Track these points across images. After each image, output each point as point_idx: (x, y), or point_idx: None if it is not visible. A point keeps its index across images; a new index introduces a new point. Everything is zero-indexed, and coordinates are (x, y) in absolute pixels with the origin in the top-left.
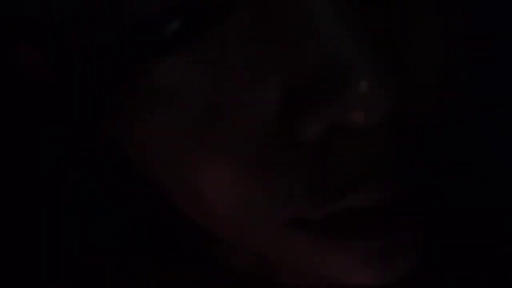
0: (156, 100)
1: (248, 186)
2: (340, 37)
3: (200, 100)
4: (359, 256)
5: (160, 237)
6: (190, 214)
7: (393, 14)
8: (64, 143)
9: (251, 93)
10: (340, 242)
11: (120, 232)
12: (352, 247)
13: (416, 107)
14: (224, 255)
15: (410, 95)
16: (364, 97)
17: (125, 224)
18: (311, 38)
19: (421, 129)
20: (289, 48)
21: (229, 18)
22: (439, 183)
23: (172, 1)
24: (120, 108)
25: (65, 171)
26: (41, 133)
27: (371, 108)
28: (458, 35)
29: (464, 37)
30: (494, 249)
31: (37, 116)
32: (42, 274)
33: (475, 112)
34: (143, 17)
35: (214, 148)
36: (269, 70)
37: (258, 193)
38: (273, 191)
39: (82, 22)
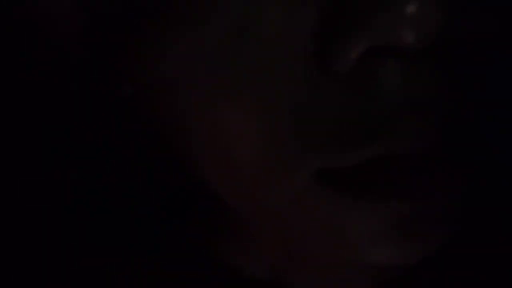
0: (195, 13)
1: (276, 126)
2: None
3: (233, 16)
4: (385, 222)
5: (162, 238)
6: (211, 178)
7: None
8: (65, 142)
9: (287, 12)
10: (366, 203)
11: (120, 232)
12: (378, 209)
13: (461, 37)
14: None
15: (457, 23)
16: (414, 14)
17: (125, 224)
18: None
19: (463, 65)
20: None
21: None
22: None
23: None
24: (155, 32)
25: (65, 171)
26: (43, 129)
27: (420, 27)
28: None
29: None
30: (494, 249)
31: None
32: (42, 274)
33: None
34: None
35: (242, 80)
36: None
37: (286, 135)
38: (302, 133)
39: None
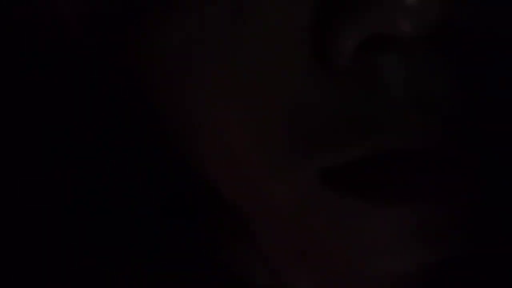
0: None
1: (274, 124)
2: None
3: (226, 3)
4: (396, 227)
5: (163, 239)
6: (215, 178)
7: None
8: (65, 142)
9: (283, 2)
10: (375, 206)
11: (120, 232)
12: (389, 213)
13: (462, 23)
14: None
15: (456, 9)
16: (411, 2)
17: (125, 224)
18: None
19: (467, 52)
20: None
21: None
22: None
23: None
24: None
25: (65, 171)
26: (43, 129)
27: (418, 15)
28: None
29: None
30: (494, 249)
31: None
32: (42, 274)
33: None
34: None
35: (238, 76)
36: None
37: (285, 133)
38: (301, 131)
39: None
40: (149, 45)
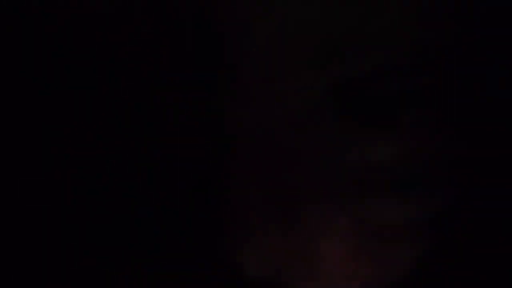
0: None
1: (299, 39)
2: None
3: None
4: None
5: (162, 238)
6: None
7: None
8: (65, 142)
9: None
10: (373, 129)
11: (120, 232)
12: (382, 139)
13: None
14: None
15: None
16: None
17: (125, 224)
18: None
19: None
20: None
21: None
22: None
23: None
24: None
25: (65, 171)
26: (43, 129)
27: None
28: None
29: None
30: (494, 249)
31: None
32: (42, 274)
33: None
34: None
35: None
36: None
37: (306, 47)
38: (317, 46)
39: None
40: None
